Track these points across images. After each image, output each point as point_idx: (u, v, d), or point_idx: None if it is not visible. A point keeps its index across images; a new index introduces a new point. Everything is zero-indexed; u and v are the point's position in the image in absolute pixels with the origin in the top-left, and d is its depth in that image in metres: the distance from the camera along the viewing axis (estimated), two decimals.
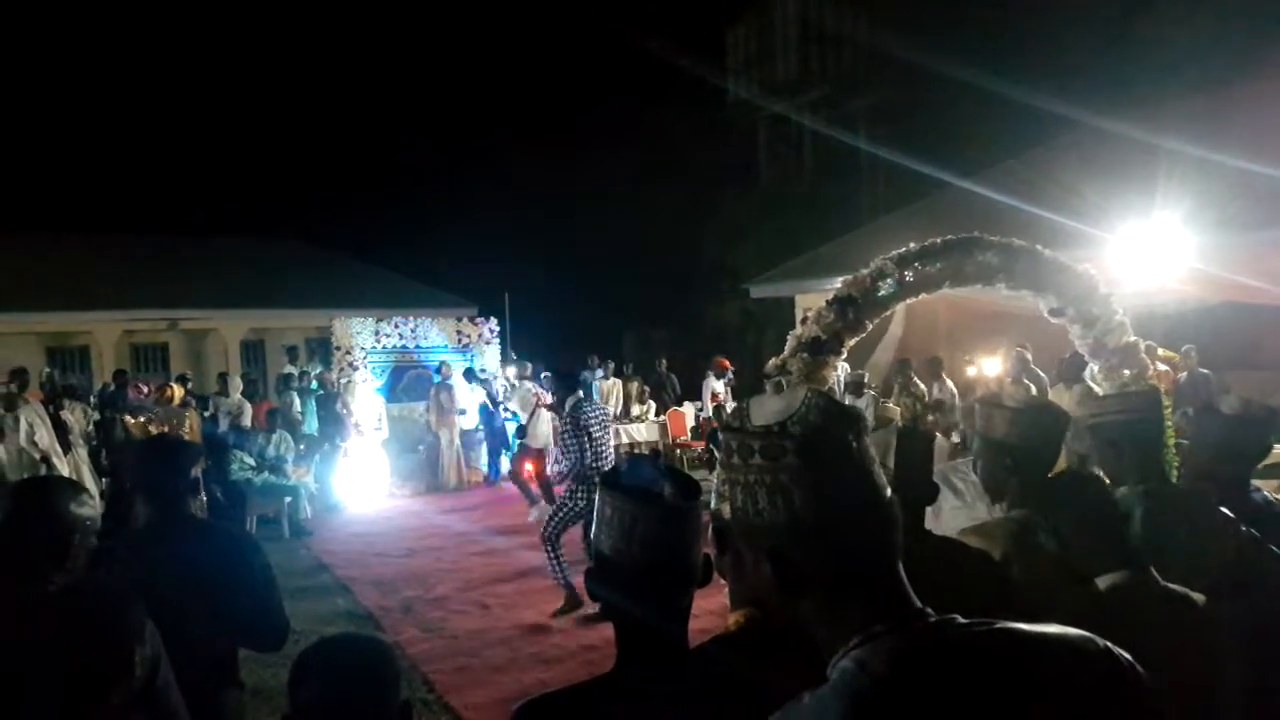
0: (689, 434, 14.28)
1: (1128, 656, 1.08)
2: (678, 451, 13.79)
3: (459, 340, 13.89)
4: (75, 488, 2.32)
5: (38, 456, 8.65)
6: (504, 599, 7.29)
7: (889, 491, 1.12)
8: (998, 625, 1.07)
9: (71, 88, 29.39)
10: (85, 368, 17.54)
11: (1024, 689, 1.02)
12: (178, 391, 9.67)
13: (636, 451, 13.01)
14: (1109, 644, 1.08)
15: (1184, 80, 12.56)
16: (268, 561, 2.72)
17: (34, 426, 8.68)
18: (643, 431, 14.06)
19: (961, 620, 1.07)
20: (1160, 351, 9.05)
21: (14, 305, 16.64)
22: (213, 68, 31.68)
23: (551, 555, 6.76)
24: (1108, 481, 2.43)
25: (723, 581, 2.18)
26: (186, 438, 8.85)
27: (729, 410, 1.27)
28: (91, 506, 2.22)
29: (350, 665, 1.68)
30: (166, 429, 8.89)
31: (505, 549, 8.99)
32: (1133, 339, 4.39)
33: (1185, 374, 8.74)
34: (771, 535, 1.09)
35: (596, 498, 1.61)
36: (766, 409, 1.15)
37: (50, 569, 2.12)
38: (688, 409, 14.69)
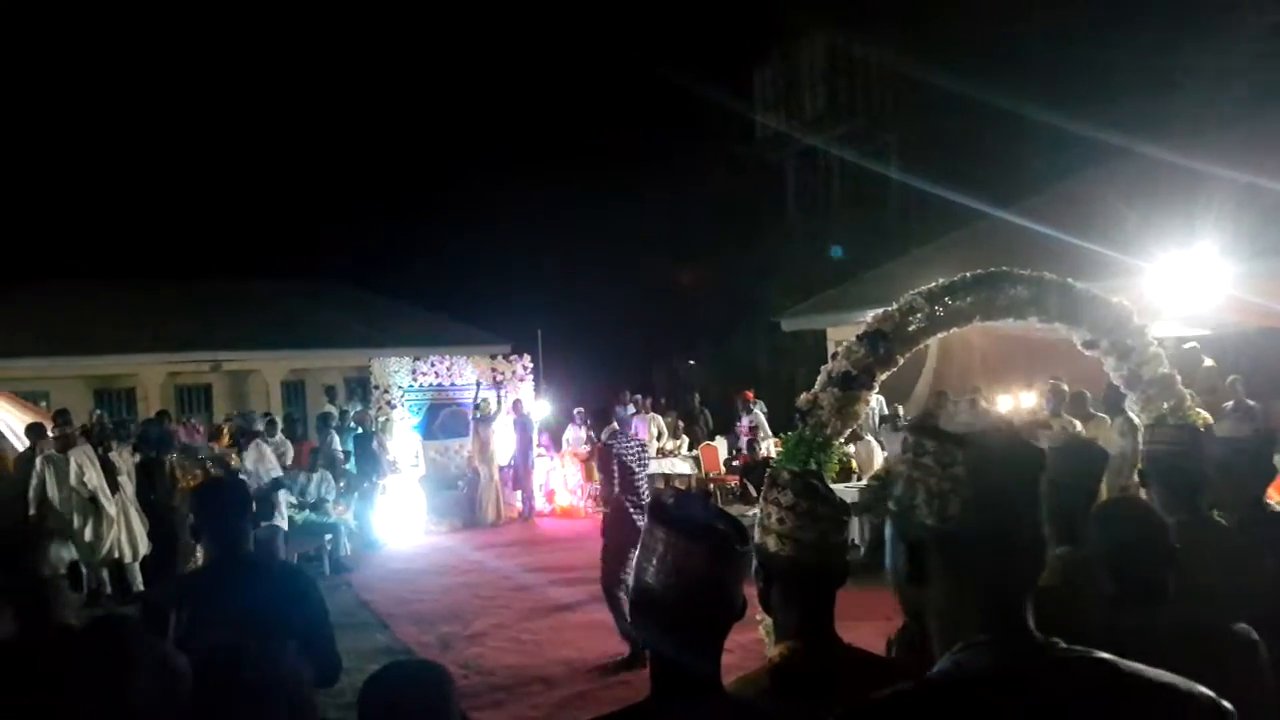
0: (723, 468, 14.25)
1: (1230, 708, 1.10)
2: (711, 486, 13.76)
3: (493, 378, 14.03)
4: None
5: (87, 497, 8.84)
6: (540, 635, 7.31)
7: (1040, 528, 1.18)
8: (1098, 655, 1.11)
9: (115, 139, 30.35)
10: (131, 409, 17.90)
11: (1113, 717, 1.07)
12: (227, 432, 9.86)
13: (678, 486, 12.98)
14: (1216, 696, 1.10)
15: (1222, 108, 12.48)
16: (323, 600, 2.80)
17: (83, 467, 8.88)
18: (676, 466, 14.06)
19: (1064, 645, 1.13)
20: (1206, 363, 8.97)
21: (63, 349, 17.09)
22: (250, 116, 32.53)
23: (614, 607, 6.56)
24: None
25: (757, 617, 2.21)
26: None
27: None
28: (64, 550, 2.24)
29: (413, 690, 1.80)
30: (219, 469, 9.08)
31: (541, 585, 9.01)
32: (1168, 370, 4.36)
33: (1231, 403, 8.61)
34: (918, 529, 1.17)
35: (643, 531, 1.63)
36: (954, 421, 1.22)
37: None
38: (720, 443, 14.68)
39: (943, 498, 1.14)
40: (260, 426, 9.61)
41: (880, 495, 7.74)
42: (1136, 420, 4.66)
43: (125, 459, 9.37)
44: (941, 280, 3.85)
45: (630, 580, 1.65)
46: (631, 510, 6.59)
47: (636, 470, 6.84)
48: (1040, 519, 1.17)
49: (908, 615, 1.30)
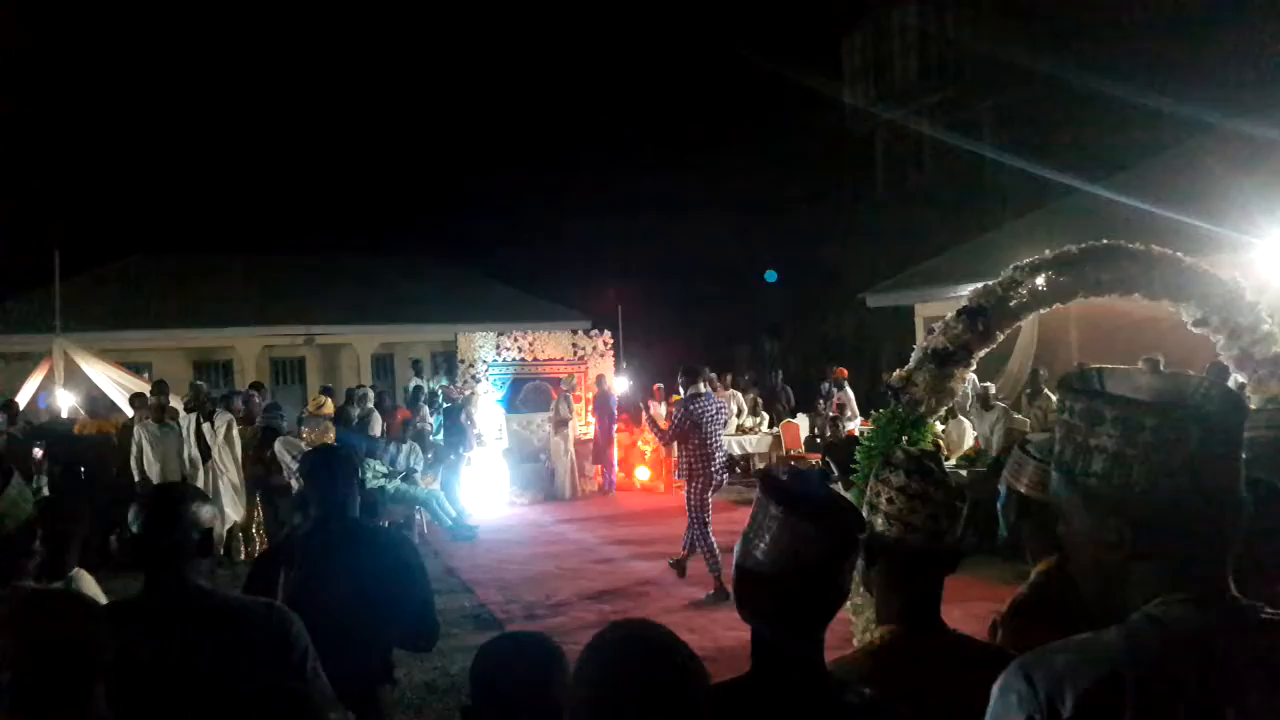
0: (804, 446, 14.13)
1: None
2: (792, 464, 13.64)
3: (574, 353, 14.15)
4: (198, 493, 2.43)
5: (189, 465, 9.17)
6: (621, 607, 7.38)
7: (1244, 489, 1.16)
8: None
9: (220, 119, 31.45)
10: (228, 380, 18.60)
11: None
12: (325, 403, 10.10)
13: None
14: None
15: None
16: (423, 566, 2.87)
17: (188, 437, 9.21)
18: (754, 443, 13.99)
19: (1270, 609, 1.11)
20: None
21: (165, 322, 17.86)
22: (348, 98, 33.33)
23: (702, 541, 7.23)
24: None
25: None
26: None
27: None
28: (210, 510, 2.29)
29: (527, 661, 1.82)
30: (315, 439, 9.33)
31: (622, 558, 9.11)
32: None
33: None
34: (1135, 505, 1.14)
35: (755, 507, 1.58)
36: (1136, 384, 1.18)
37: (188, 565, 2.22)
38: (802, 420, 14.55)
39: (1172, 474, 1.11)
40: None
41: (988, 476, 7.56)
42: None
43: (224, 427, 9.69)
44: (1048, 252, 3.72)
45: (734, 557, 1.61)
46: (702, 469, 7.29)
47: (710, 430, 7.45)
48: (1243, 478, 1.16)
49: (1087, 587, 1.22)
